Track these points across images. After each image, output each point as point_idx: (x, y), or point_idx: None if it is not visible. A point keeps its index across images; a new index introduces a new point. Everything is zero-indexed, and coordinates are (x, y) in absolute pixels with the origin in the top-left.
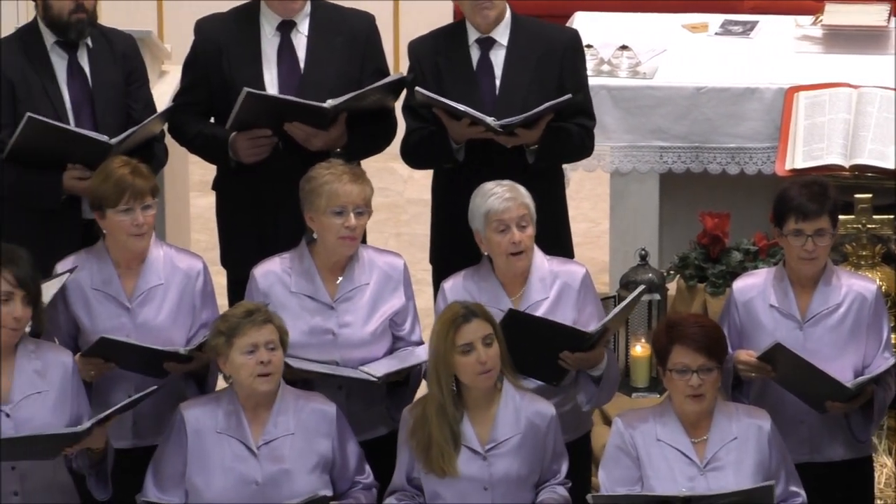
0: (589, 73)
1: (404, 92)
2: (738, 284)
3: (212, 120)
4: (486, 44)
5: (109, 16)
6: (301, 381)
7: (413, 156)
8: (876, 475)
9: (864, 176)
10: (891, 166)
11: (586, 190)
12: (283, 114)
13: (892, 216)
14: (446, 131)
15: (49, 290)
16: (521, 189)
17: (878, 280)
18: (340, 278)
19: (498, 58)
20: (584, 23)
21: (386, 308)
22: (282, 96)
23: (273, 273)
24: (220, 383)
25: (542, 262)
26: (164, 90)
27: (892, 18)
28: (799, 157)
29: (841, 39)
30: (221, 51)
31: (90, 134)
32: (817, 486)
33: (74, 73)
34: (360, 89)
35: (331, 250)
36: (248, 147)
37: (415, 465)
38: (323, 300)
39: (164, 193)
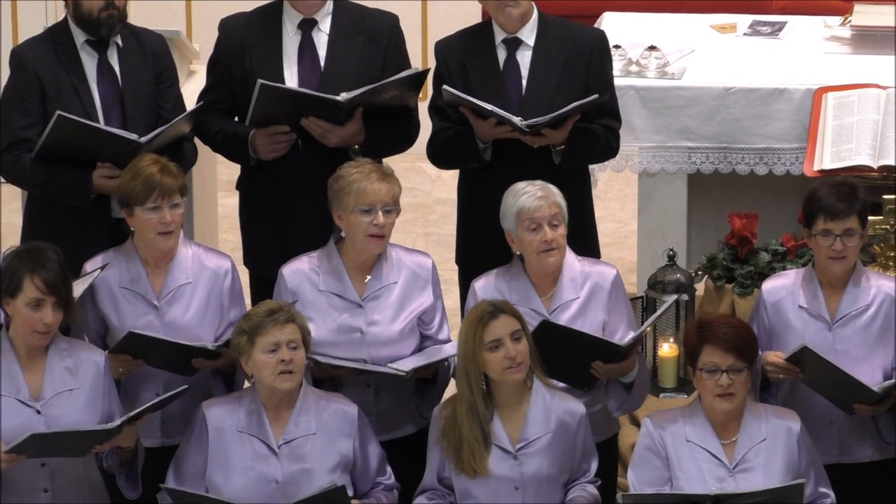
0: (617, 73)
1: (430, 92)
2: (768, 285)
3: (235, 119)
4: (513, 44)
5: (138, 15)
6: (329, 380)
7: (440, 155)
8: None
9: (893, 177)
10: None
11: (614, 190)
12: (299, 108)
13: None
14: (473, 131)
15: (77, 288)
16: (553, 188)
17: None
18: (369, 277)
19: (524, 58)
20: (613, 23)
21: (414, 307)
22: (295, 88)
23: (301, 271)
24: (248, 382)
25: (573, 263)
26: (192, 90)
27: None
28: (827, 157)
29: (869, 40)
30: (244, 49)
31: (119, 132)
32: (846, 487)
33: (104, 72)
34: (376, 83)
35: (359, 248)
36: (267, 144)
37: (445, 464)
38: (351, 298)
39: (192, 193)
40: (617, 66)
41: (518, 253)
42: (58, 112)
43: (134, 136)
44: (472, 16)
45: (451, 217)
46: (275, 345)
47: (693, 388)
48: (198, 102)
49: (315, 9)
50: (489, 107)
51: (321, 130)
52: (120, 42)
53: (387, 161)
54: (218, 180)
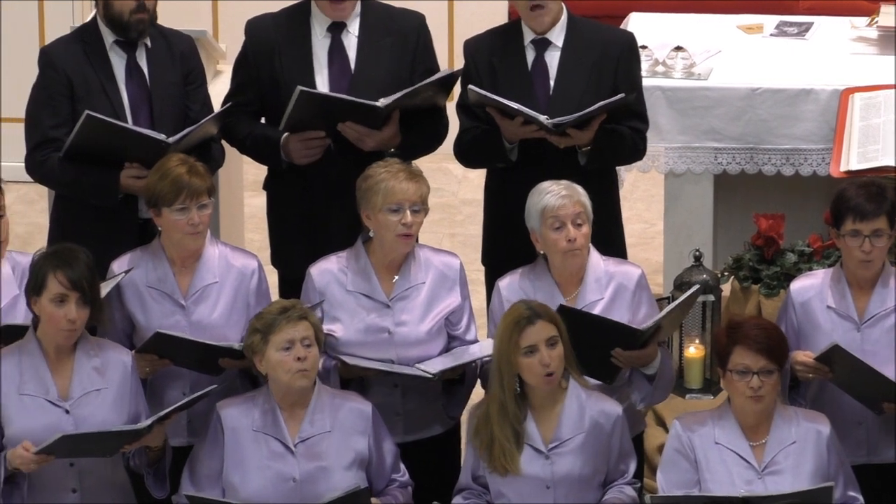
0: (644, 73)
1: (458, 91)
2: (796, 285)
3: (262, 120)
4: (542, 45)
5: (164, 15)
6: (356, 380)
7: (466, 155)
8: None
9: None
10: None
11: (640, 191)
12: (335, 113)
13: None
14: (500, 130)
15: (102, 290)
16: (578, 188)
17: None
18: (396, 277)
19: (553, 59)
20: (639, 24)
21: (442, 307)
22: (335, 94)
23: (329, 271)
24: None
25: (597, 262)
26: (218, 90)
27: None
28: (854, 158)
29: None
30: (272, 51)
31: (147, 132)
32: (873, 488)
33: (133, 73)
34: (412, 87)
35: (387, 248)
36: (301, 148)
37: (480, 463)
38: (379, 298)
39: (219, 193)
40: (643, 66)
41: (542, 252)
42: (86, 112)
43: (162, 137)
44: (499, 15)
45: (477, 217)
46: (289, 342)
47: (719, 388)
48: (224, 104)
49: (345, 12)
50: (515, 106)
51: (357, 135)
52: (149, 43)
53: (413, 161)
54: (244, 180)
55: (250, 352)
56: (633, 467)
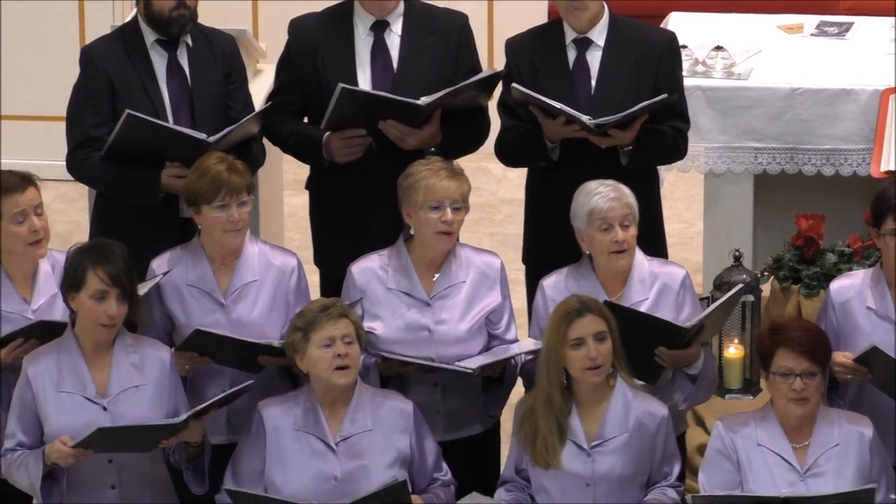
0: (684, 73)
1: (500, 89)
2: (835, 285)
3: (305, 120)
4: (583, 44)
5: (205, 15)
6: (396, 378)
7: (508, 154)
8: None
9: None
10: None
11: (680, 191)
12: (377, 112)
13: None
14: (541, 130)
15: (140, 290)
16: (625, 189)
17: None
18: (437, 275)
19: (594, 59)
20: (679, 23)
21: (482, 306)
22: (376, 92)
23: (370, 269)
24: None
25: (642, 263)
26: (259, 89)
27: None
28: (894, 158)
29: None
30: (315, 51)
31: (188, 132)
32: None
33: (174, 72)
34: (454, 86)
35: (428, 246)
36: (343, 147)
37: (523, 456)
38: (419, 297)
39: (259, 192)
40: (684, 66)
41: (587, 252)
42: (127, 111)
43: (203, 136)
44: (539, 15)
45: (517, 217)
46: (330, 339)
47: (759, 388)
48: (266, 103)
49: (388, 11)
50: (558, 105)
51: (399, 133)
52: (190, 42)
53: (454, 160)
54: (284, 179)
55: (291, 350)
56: (676, 469)
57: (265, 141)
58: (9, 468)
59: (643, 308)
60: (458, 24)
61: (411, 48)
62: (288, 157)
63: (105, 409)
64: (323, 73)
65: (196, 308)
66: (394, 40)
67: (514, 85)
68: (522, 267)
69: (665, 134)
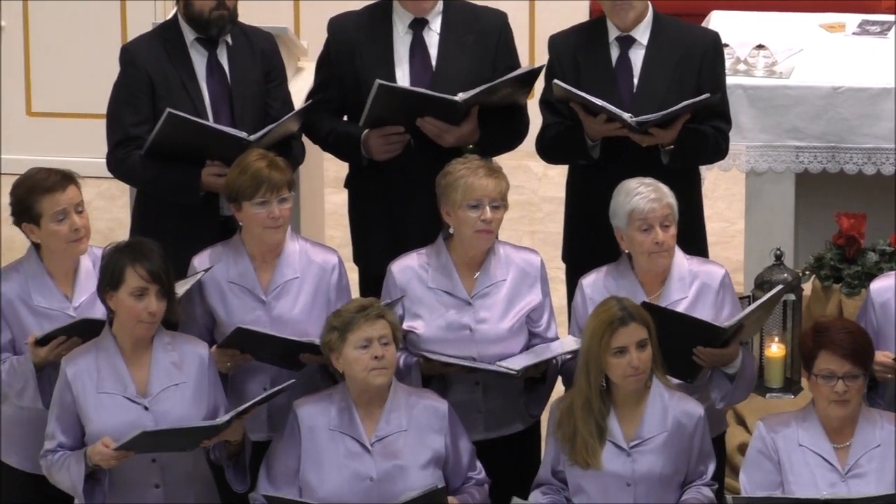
0: (725, 72)
1: (542, 86)
2: (876, 285)
3: (345, 118)
4: (626, 42)
5: (247, 13)
6: (437, 378)
7: (548, 151)
8: None
9: None
10: None
11: (721, 189)
12: (414, 108)
13: None
14: (583, 127)
15: (180, 287)
16: (665, 188)
17: None
18: (477, 274)
19: (637, 57)
20: (721, 22)
21: (522, 304)
22: (413, 88)
23: (410, 268)
24: None
25: (681, 262)
26: (299, 87)
27: None
28: None
29: None
30: (354, 49)
31: (228, 130)
32: None
33: (214, 71)
34: (492, 82)
35: (467, 244)
36: (381, 144)
37: (560, 458)
38: (460, 296)
39: (300, 190)
40: (725, 64)
41: (626, 251)
42: (168, 110)
43: (243, 134)
44: (580, 14)
45: (557, 215)
46: (366, 340)
47: (800, 388)
48: (306, 101)
49: (427, 10)
50: (599, 102)
51: (437, 130)
52: (229, 40)
53: (494, 159)
54: (325, 177)
55: (327, 349)
56: (712, 469)
57: (305, 139)
58: (50, 469)
59: (682, 307)
60: (497, 23)
61: (450, 46)
62: (328, 155)
63: (146, 408)
64: (361, 70)
65: (237, 305)
66: (432, 38)
67: (556, 81)
68: (562, 265)
69: (706, 134)
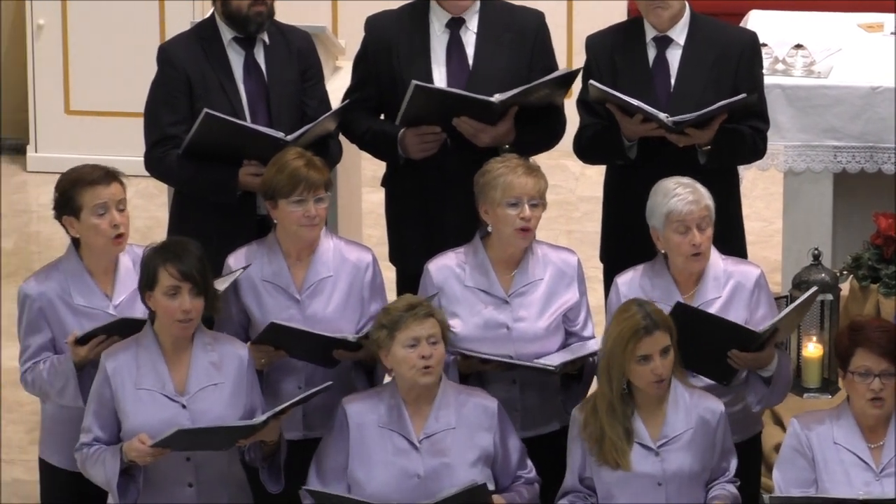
0: (763, 71)
1: (579, 86)
2: None
3: (381, 117)
4: (663, 42)
5: (284, 12)
6: (475, 375)
7: (585, 151)
8: None
9: None
10: None
11: (759, 189)
12: (451, 108)
13: None
14: (619, 128)
15: (221, 285)
16: (703, 189)
17: None
18: (515, 272)
19: (674, 57)
20: (759, 21)
21: (560, 303)
22: (450, 89)
23: (447, 267)
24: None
25: (717, 262)
26: (337, 86)
27: None
28: None
29: None
30: (391, 48)
31: (266, 130)
32: None
33: (251, 70)
34: (528, 84)
35: (505, 243)
36: (417, 143)
37: (587, 464)
38: (497, 294)
39: (337, 189)
40: (763, 64)
41: (662, 251)
42: (205, 110)
43: (280, 135)
44: (618, 14)
45: (594, 215)
46: (415, 339)
47: (837, 388)
48: (343, 101)
49: (465, 9)
50: (636, 102)
51: (473, 130)
52: (266, 39)
53: (532, 157)
54: (363, 176)
55: (375, 347)
56: (734, 465)
57: (342, 138)
58: (84, 463)
59: (716, 306)
60: (535, 23)
61: (487, 45)
62: (366, 154)
63: (184, 406)
64: (398, 69)
65: (271, 304)
66: (469, 37)
67: (592, 82)
68: (600, 265)
69: (744, 134)
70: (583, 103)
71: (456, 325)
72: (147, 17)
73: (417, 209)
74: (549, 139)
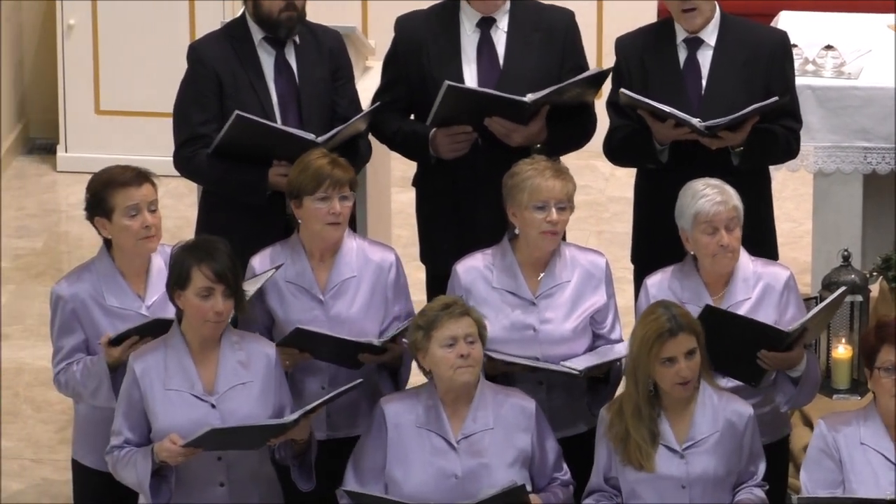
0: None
1: (608, 88)
2: None
3: (412, 117)
4: (694, 44)
5: (314, 12)
6: (502, 377)
7: (616, 154)
8: None
9: None
10: None
11: (789, 190)
12: (482, 108)
13: None
14: (651, 131)
15: (250, 287)
16: (731, 190)
17: None
18: (542, 274)
19: (705, 58)
20: (789, 22)
21: (587, 305)
22: (482, 89)
23: (475, 269)
24: (413, 376)
25: (746, 263)
26: (367, 86)
27: None
28: None
29: None
30: (421, 48)
31: (297, 132)
32: None
33: (281, 70)
34: (560, 83)
35: (532, 245)
36: (448, 143)
37: (612, 463)
38: (524, 296)
39: (367, 189)
40: (794, 63)
41: (691, 252)
42: (235, 112)
43: (311, 136)
44: (648, 14)
45: (625, 215)
46: (452, 338)
47: (866, 389)
48: (373, 101)
49: (495, 8)
50: (667, 109)
51: (504, 130)
52: (297, 39)
53: (561, 158)
54: (392, 176)
55: (413, 349)
56: (762, 469)
57: (372, 138)
58: (115, 465)
59: (745, 307)
60: (564, 21)
61: (517, 45)
62: (395, 154)
63: (213, 406)
64: (429, 69)
65: (295, 305)
66: (500, 37)
67: (623, 90)
68: (629, 265)
69: (776, 134)
70: (612, 105)
71: None
72: (177, 17)
73: (449, 209)
74: (581, 138)
